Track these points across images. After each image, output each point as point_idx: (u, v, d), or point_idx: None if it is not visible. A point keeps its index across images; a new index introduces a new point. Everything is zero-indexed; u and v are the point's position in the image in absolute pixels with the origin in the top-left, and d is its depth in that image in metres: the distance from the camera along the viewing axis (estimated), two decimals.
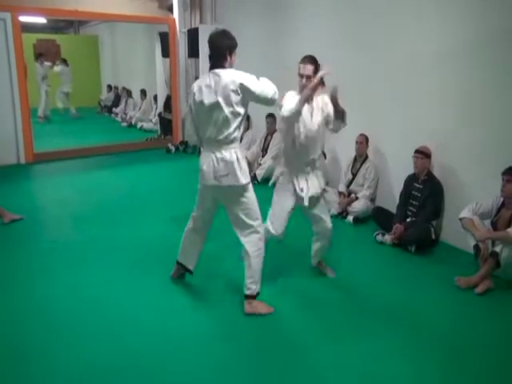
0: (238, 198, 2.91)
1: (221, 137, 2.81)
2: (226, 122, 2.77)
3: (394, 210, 4.42)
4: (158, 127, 9.74)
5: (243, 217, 2.94)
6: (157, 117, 9.82)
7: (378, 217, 4.53)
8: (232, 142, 2.83)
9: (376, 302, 3.24)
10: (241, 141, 2.96)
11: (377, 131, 4.91)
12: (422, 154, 4.16)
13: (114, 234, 4.38)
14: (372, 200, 4.98)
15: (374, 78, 4.91)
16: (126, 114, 11.64)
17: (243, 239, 2.97)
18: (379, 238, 4.28)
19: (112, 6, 8.90)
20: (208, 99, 2.78)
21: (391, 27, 4.63)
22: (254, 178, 6.10)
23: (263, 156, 6.46)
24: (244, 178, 2.86)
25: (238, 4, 7.26)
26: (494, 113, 3.80)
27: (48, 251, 3.98)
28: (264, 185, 5.73)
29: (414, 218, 4.20)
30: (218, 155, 2.84)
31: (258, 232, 2.97)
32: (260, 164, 6.37)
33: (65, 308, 3.07)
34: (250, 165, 6.21)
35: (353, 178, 5.05)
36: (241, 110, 2.79)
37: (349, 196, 5.01)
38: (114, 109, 12.54)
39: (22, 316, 2.98)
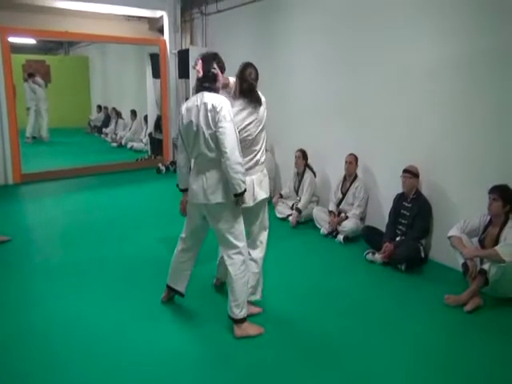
0: (224, 217, 2.91)
1: (210, 156, 2.82)
2: (211, 142, 2.79)
3: (383, 228, 4.44)
4: (148, 147, 9.75)
5: (229, 236, 2.93)
6: (147, 137, 9.83)
7: (368, 236, 4.55)
8: (219, 161, 2.83)
9: (366, 320, 3.23)
10: None
11: (366, 151, 4.97)
12: (410, 173, 4.21)
13: (103, 255, 4.34)
14: (362, 219, 5.01)
15: (362, 98, 4.99)
16: (116, 135, 11.63)
17: (228, 261, 2.95)
18: (369, 256, 4.29)
19: (102, 27, 8.99)
20: (195, 119, 2.81)
21: (380, 48, 4.72)
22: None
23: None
24: (226, 197, 2.85)
25: (228, 27, 7.37)
26: (480, 132, 3.87)
27: (35, 273, 3.92)
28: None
29: (403, 237, 4.23)
30: (208, 174, 2.86)
31: (242, 254, 2.95)
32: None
33: (52, 330, 3.01)
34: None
35: (342, 198, 5.08)
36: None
37: (339, 215, 5.02)
38: (103, 129, 12.52)
39: (12, 339, 2.92)
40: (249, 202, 3.02)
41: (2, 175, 7.06)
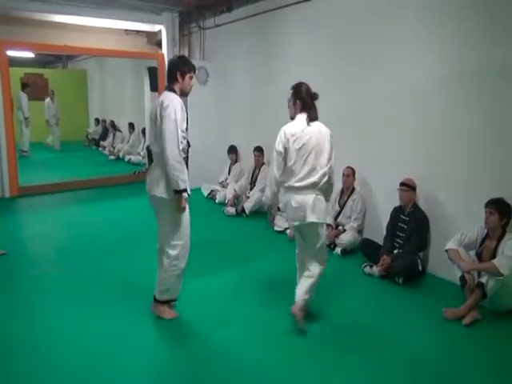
0: (165, 213, 3.12)
1: (156, 151, 3.05)
2: (157, 136, 3.00)
3: (381, 241, 4.44)
4: (145, 160, 9.75)
5: (168, 231, 3.15)
6: (145, 150, 9.84)
7: (366, 249, 4.55)
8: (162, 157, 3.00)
9: (364, 333, 3.22)
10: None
11: (363, 164, 4.99)
12: (407, 186, 4.23)
13: (99, 268, 4.32)
14: (359, 232, 5.01)
15: (360, 113, 5.02)
16: (113, 148, 11.65)
17: (164, 254, 3.19)
18: (367, 269, 4.29)
19: (101, 41, 9.03)
20: (153, 115, 3.05)
21: (377, 66, 4.78)
22: (242, 211, 6.14)
23: (251, 189, 6.48)
24: (166, 193, 3.02)
25: (226, 41, 7.43)
26: (477, 146, 3.90)
27: (30, 287, 3.89)
28: (253, 218, 5.82)
29: (400, 250, 4.23)
30: (153, 168, 3.11)
31: (177, 249, 3.14)
32: (248, 197, 6.37)
33: (46, 344, 2.99)
34: (238, 197, 6.33)
35: (340, 210, 5.08)
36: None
37: (336, 228, 5.03)
38: (101, 142, 12.54)
39: (7, 351, 2.89)
40: (294, 220, 3.12)
41: None
